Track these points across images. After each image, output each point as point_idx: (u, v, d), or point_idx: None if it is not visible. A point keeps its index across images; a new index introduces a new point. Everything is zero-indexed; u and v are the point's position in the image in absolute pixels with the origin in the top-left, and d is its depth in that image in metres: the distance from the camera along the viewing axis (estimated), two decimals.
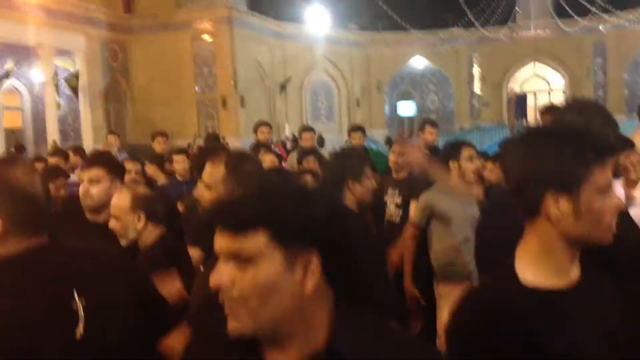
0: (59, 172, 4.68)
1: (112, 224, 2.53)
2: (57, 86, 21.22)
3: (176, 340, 1.67)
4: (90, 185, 2.64)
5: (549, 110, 2.85)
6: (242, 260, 0.97)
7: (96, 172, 2.66)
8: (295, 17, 30.36)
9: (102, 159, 2.78)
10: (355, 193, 2.82)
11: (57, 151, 6.22)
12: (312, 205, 1.00)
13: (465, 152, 3.80)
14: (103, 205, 2.62)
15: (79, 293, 1.48)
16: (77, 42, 22.79)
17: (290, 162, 6.07)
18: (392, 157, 4.76)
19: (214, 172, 2.20)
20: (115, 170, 2.76)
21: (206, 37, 25.71)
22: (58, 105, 22.74)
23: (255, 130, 6.41)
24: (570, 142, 1.28)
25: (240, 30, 26.08)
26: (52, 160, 5.87)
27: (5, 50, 20.71)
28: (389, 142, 19.52)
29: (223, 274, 0.98)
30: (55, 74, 21.30)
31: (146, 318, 1.64)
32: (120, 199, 2.55)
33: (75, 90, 21.70)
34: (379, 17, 31.12)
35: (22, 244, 1.49)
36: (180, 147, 12.25)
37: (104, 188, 2.64)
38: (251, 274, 0.97)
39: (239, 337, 0.99)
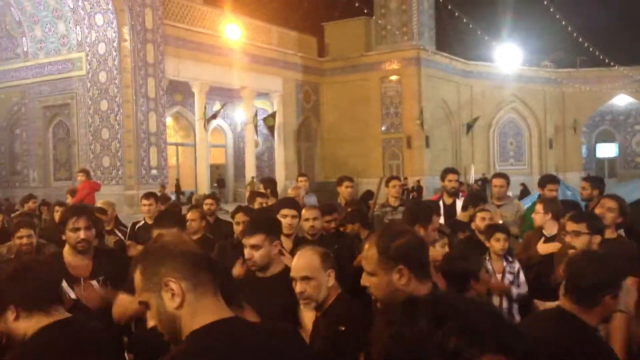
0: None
1: (302, 287, 2.47)
2: (256, 126, 22.99)
3: None
4: (253, 250, 2.94)
5: None
6: None
7: (256, 239, 2.93)
8: (484, 56, 29.73)
9: (261, 226, 3.04)
10: None
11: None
12: None
13: None
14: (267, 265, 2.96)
15: None
16: (275, 85, 24.61)
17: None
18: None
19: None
20: (273, 232, 3.05)
21: (394, 78, 26.20)
22: (256, 144, 24.61)
23: (443, 178, 6.27)
24: None
25: (428, 70, 26.18)
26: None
27: (214, 93, 22.98)
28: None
29: None
30: (255, 114, 23.12)
31: None
32: (309, 259, 2.52)
33: (271, 129, 23.30)
34: (576, 53, 29.29)
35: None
36: (367, 189, 12.50)
37: (266, 252, 2.94)
38: None
39: None
